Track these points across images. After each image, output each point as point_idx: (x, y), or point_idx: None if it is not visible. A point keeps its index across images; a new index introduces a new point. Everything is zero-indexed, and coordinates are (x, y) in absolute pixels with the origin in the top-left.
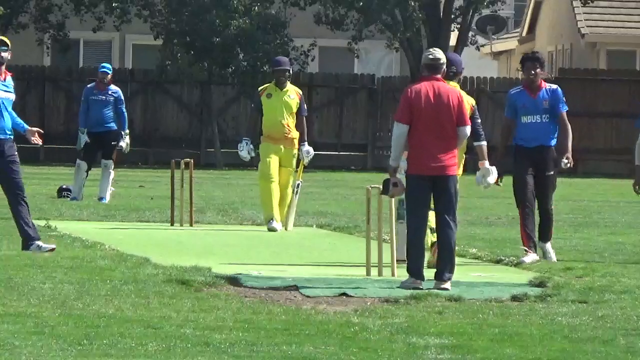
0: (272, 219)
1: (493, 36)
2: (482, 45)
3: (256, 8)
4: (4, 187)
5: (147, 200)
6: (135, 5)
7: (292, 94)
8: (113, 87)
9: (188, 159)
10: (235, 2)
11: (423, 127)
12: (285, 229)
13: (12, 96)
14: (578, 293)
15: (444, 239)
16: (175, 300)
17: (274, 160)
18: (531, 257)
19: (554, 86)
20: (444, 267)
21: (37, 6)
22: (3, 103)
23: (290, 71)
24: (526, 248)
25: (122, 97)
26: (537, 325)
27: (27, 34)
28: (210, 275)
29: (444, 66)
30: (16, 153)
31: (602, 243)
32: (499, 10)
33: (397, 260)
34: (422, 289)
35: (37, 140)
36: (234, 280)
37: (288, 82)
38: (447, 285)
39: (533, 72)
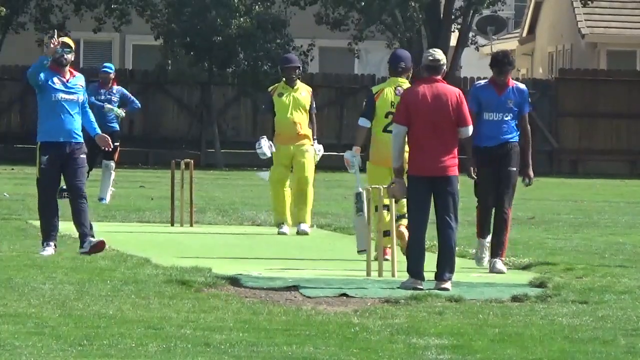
0: (282, 224)
1: (493, 37)
2: (483, 46)
3: (257, 7)
4: (67, 188)
5: (148, 200)
6: (135, 6)
7: (304, 91)
8: (116, 87)
9: (188, 160)
10: (236, 1)
11: (421, 128)
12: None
13: (77, 97)
14: (578, 293)
15: (445, 240)
16: (175, 301)
17: (285, 167)
18: (484, 260)
19: (522, 86)
20: (444, 267)
21: (38, 6)
22: (64, 105)
23: (300, 68)
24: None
25: (128, 93)
26: (538, 325)
27: (27, 34)
28: (211, 276)
29: (444, 67)
30: (83, 157)
31: (603, 243)
32: (499, 10)
33: (358, 251)
34: (422, 289)
35: (107, 146)
36: (234, 281)
37: (298, 80)
38: (448, 285)
39: (503, 76)
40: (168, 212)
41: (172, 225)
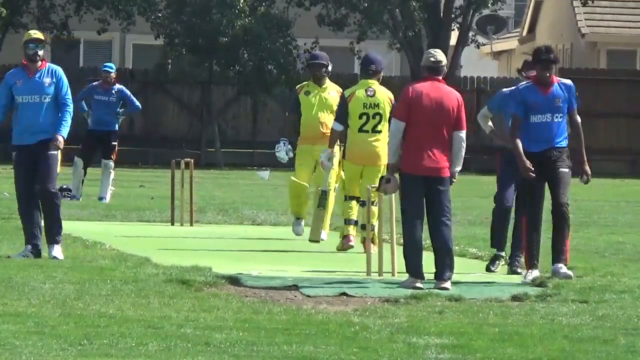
0: (298, 219)
1: (493, 36)
2: (483, 45)
3: (262, 8)
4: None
5: (148, 200)
6: (139, 6)
7: (332, 91)
8: (117, 86)
9: (188, 159)
10: (241, 2)
11: (420, 127)
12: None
13: (40, 97)
14: (578, 293)
15: (441, 239)
16: (175, 300)
17: (307, 168)
18: (534, 274)
19: (568, 81)
20: (444, 267)
21: (39, 6)
22: (26, 106)
23: (329, 67)
24: (529, 269)
25: (129, 93)
26: (538, 325)
27: None
28: (211, 275)
29: (445, 68)
30: (53, 153)
31: (603, 243)
32: (499, 10)
33: (309, 240)
34: (422, 288)
35: (54, 148)
36: (234, 280)
37: (327, 79)
38: (447, 284)
39: (548, 73)
40: (168, 211)
41: (172, 224)
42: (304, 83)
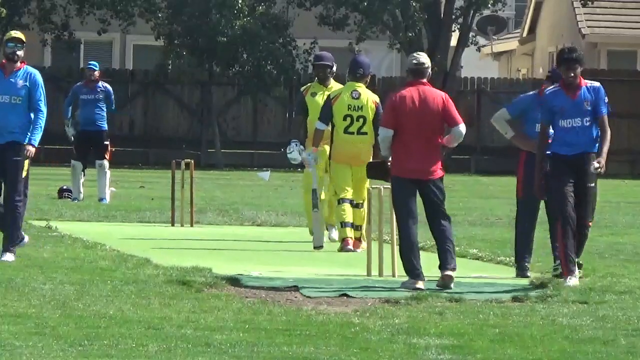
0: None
1: (494, 37)
2: (483, 46)
3: (260, 8)
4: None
5: (148, 200)
6: (140, 7)
7: None
8: (102, 84)
9: (188, 160)
10: (240, 2)
11: (408, 132)
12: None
13: (11, 98)
14: (579, 293)
15: (443, 233)
16: (175, 301)
17: (318, 169)
18: (574, 279)
19: (596, 84)
20: (447, 257)
21: (39, 7)
22: None
23: (334, 68)
24: (567, 275)
25: (112, 95)
26: (538, 325)
27: (28, 34)
28: (211, 276)
29: (429, 70)
30: (19, 160)
31: (603, 243)
32: (499, 10)
33: (314, 247)
34: (422, 289)
35: (23, 156)
36: (234, 281)
37: (332, 80)
38: (453, 273)
39: (572, 73)
40: (168, 212)
41: (173, 225)
42: (309, 84)
